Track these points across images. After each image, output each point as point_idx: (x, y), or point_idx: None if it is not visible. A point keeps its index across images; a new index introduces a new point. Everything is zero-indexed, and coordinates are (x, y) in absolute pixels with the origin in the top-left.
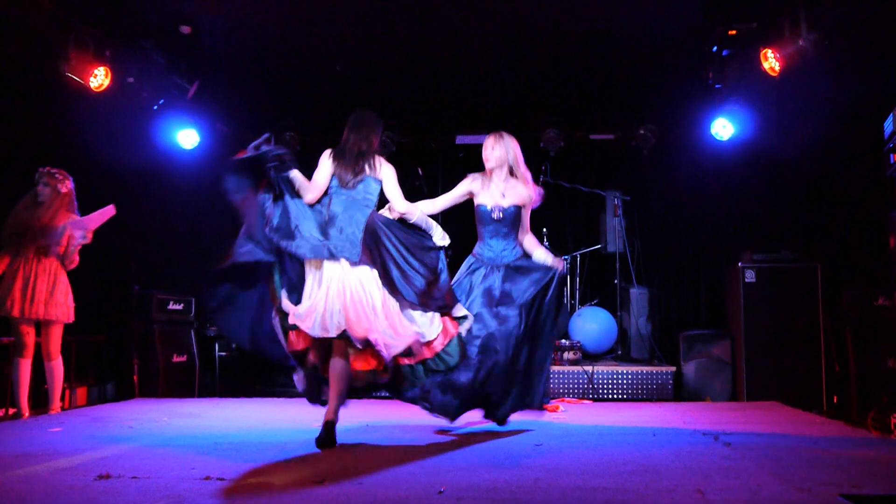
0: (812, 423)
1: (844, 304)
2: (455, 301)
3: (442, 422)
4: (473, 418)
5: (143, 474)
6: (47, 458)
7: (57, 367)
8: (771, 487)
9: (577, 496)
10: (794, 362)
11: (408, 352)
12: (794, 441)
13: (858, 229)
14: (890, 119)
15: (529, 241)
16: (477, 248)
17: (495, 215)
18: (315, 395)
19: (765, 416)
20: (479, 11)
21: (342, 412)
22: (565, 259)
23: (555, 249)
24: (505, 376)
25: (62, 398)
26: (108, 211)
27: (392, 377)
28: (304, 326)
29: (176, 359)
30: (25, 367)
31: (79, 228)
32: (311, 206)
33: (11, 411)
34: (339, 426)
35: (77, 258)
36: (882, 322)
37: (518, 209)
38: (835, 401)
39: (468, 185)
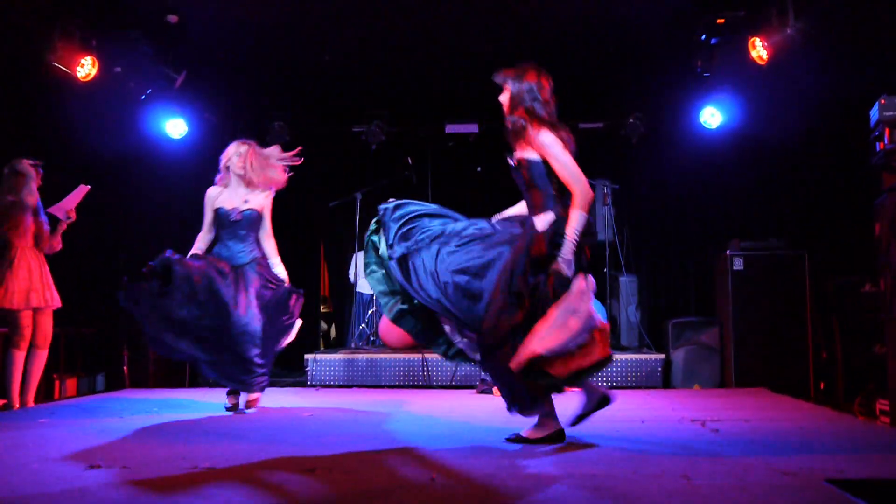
0: (799, 409)
1: (831, 292)
2: None
3: None
4: None
5: (133, 464)
6: (38, 449)
7: (44, 356)
8: (757, 472)
9: (566, 482)
10: (782, 349)
11: None
12: (781, 427)
13: (845, 217)
14: (875, 107)
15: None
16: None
17: (234, 217)
18: None
19: (752, 402)
20: (467, 0)
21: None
22: None
23: None
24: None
25: (52, 389)
26: (82, 190)
27: None
28: None
29: None
30: (20, 359)
31: (60, 210)
32: None
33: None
34: (328, 417)
35: (59, 243)
36: (868, 309)
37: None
38: (822, 387)
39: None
